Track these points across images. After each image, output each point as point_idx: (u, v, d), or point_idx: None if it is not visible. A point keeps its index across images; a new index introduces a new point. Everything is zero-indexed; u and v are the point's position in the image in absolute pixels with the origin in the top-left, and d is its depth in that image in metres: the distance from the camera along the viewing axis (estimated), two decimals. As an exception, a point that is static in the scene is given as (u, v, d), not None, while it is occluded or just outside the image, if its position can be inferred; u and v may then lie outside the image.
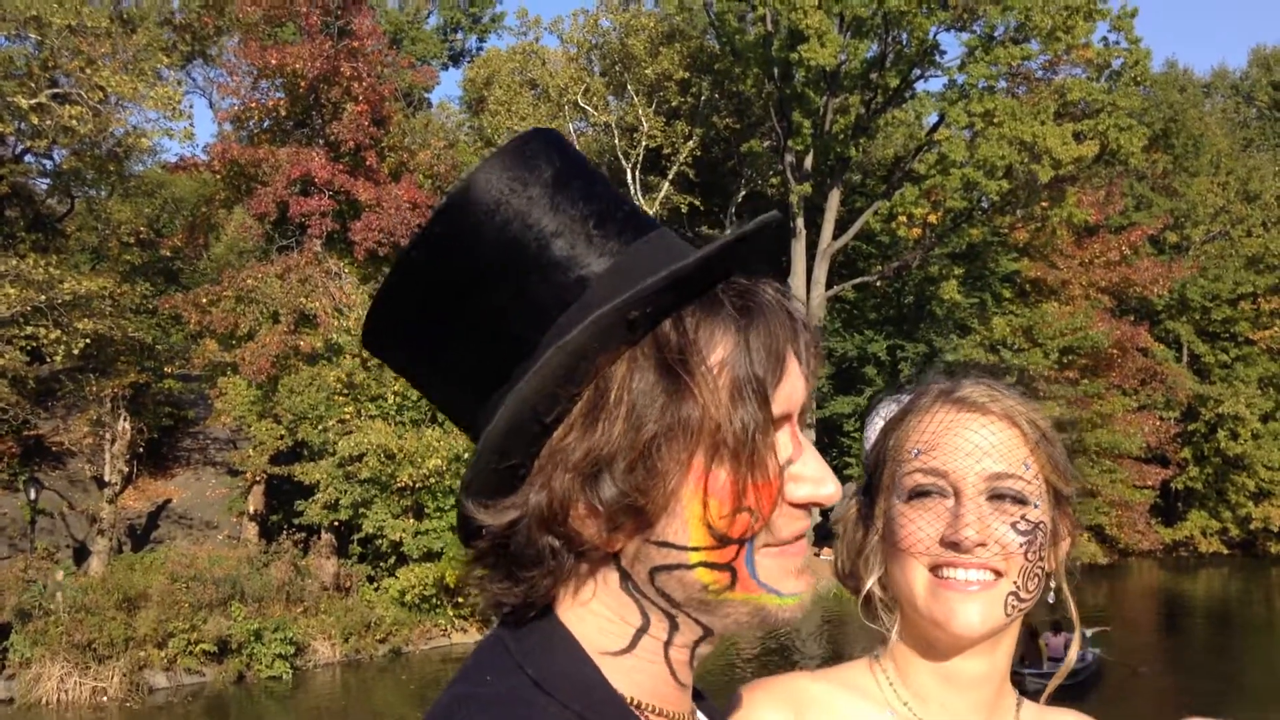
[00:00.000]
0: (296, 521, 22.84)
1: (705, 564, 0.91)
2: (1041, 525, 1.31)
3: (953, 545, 1.28)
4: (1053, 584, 1.36)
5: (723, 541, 0.90)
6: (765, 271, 0.98)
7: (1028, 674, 17.77)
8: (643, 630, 0.95)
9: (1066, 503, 1.37)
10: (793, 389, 0.95)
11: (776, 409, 0.93)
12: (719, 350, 0.90)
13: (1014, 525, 1.29)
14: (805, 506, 0.96)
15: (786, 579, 0.96)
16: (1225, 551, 41.79)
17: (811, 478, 0.96)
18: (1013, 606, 1.30)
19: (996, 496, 1.30)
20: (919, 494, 1.32)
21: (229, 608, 19.38)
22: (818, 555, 30.69)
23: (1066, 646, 19.01)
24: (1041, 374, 32.97)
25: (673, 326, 0.90)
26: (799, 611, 0.97)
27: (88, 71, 21.57)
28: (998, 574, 1.29)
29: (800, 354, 0.97)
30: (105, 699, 17.63)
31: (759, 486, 0.91)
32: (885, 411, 1.46)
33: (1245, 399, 40.04)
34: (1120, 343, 35.49)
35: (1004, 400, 1.35)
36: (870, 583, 1.37)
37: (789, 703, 1.34)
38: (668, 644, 0.96)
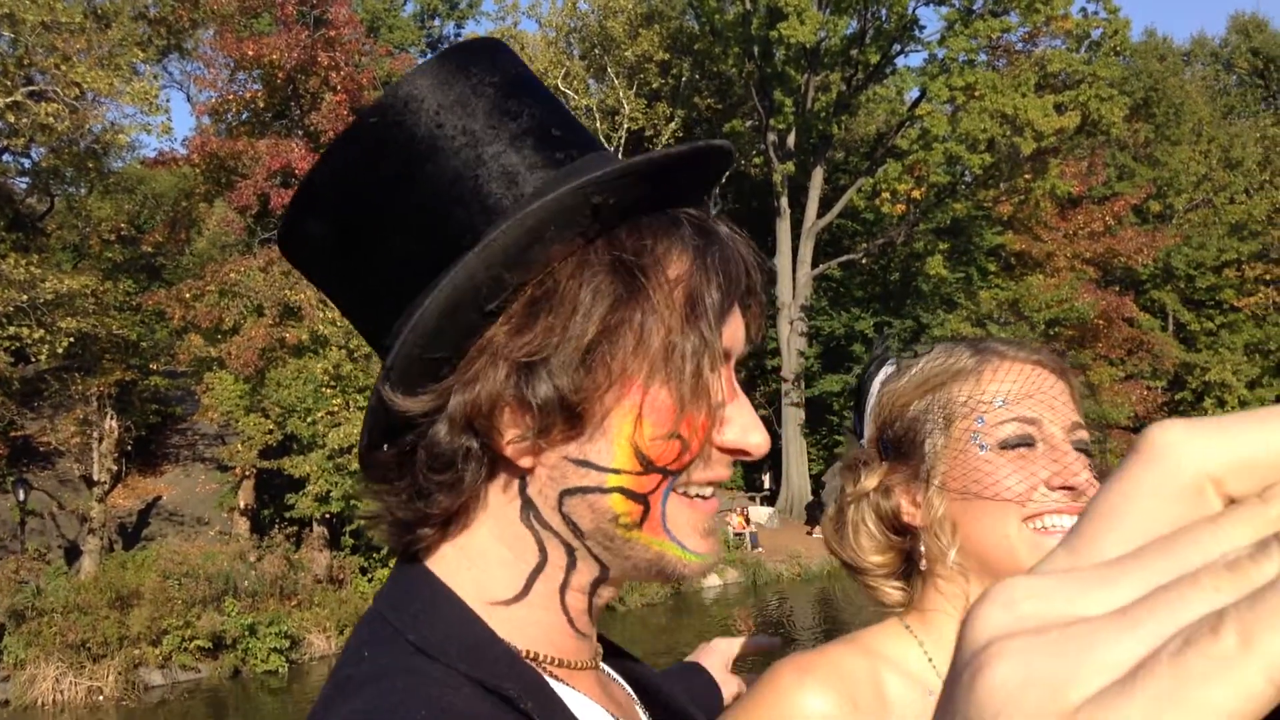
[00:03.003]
0: (288, 515, 22.79)
1: (622, 490, 0.87)
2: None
3: (1066, 489, 1.24)
4: None
5: (647, 468, 0.87)
6: (700, 202, 0.96)
7: None
8: (538, 570, 0.90)
9: None
10: (738, 329, 0.93)
11: (724, 342, 0.90)
12: (676, 266, 0.88)
13: (1090, 474, 1.28)
14: (731, 453, 0.93)
15: (693, 535, 0.92)
16: (1215, 519, 42.08)
17: (742, 423, 0.92)
18: None
19: (1076, 448, 1.28)
20: (1014, 443, 1.26)
21: (222, 603, 19.35)
22: (810, 535, 30.79)
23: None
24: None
25: (629, 232, 0.88)
26: (700, 572, 0.93)
27: (63, 68, 21.39)
28: None
29: (745, 299, 0.95)
30: (101, 698, 17.60)
31: (696, 415, 0.87)
32: (884, 375, 1.41)
33: (1231, 366, 40.22)
34: (1106, 313, 35.60)
35: (1050, 356, 1.34)
36: (953, 552, 1.28)
37: (839, 687, 1.27)
38: (564, 586, 0.91)
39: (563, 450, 0.87)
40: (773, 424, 35.01)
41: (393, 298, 0.90)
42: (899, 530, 1.35)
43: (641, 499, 0.88)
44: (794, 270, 33.26)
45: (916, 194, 32.16)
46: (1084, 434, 1.29)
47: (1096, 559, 0.28)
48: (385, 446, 0.90)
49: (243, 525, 24.22)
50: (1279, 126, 47.03)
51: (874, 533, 1.35)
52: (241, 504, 24.50)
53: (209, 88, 25.97)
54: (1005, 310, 33.92)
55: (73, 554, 22.32)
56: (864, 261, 35.85)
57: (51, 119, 21.26)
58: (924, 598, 1.33)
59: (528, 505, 0.89)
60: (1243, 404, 40.17)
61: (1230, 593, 0.26)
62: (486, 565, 0.90)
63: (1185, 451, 0.28)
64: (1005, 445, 1.26)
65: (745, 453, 0.93)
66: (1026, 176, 32.46)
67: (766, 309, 0.98)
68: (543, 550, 0.90)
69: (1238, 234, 42.18)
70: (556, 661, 0.92)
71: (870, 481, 1.35)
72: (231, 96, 25.55)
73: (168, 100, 53.92)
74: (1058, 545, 0.29)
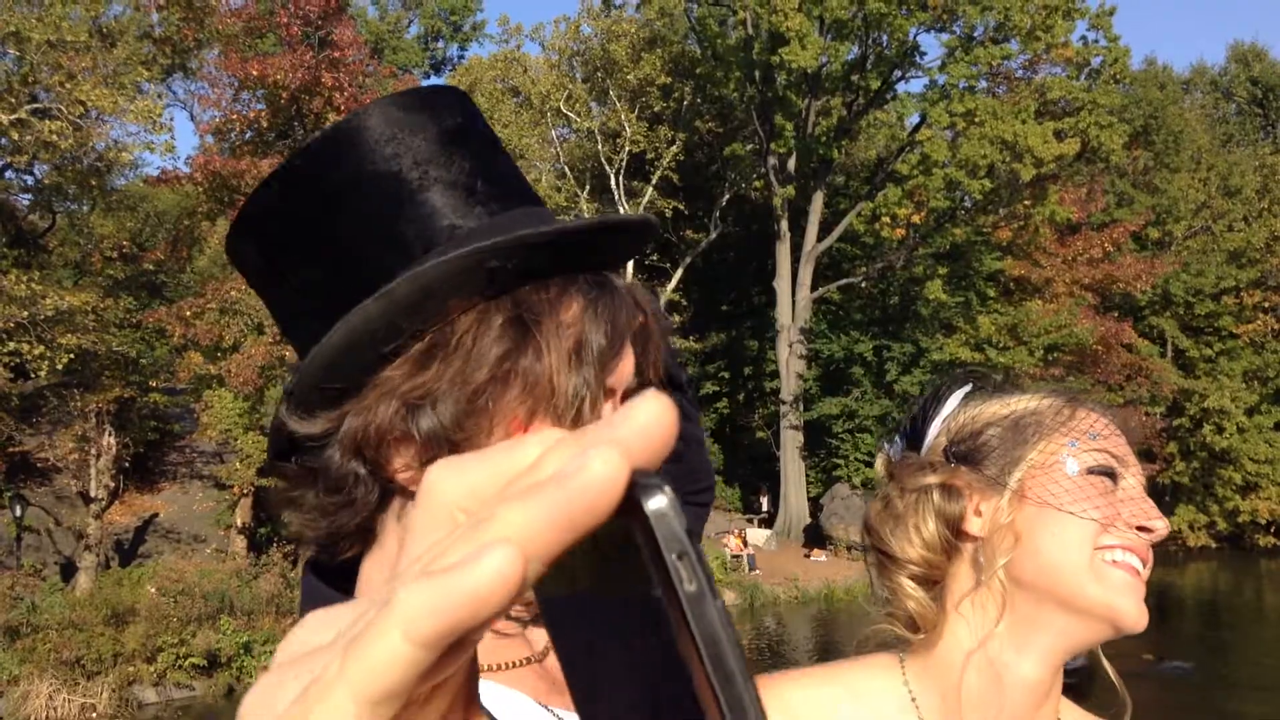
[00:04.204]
0: (285, 533, 22.70)
1: None
2: None
3: (1142, 529, 1.22)
4: None
5: None
6: (620, 266, 1.02)
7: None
8: None
9: None
10: (626, 366, 0.98)
11: (608, 380, 0.96)
12: (568, 312, 0.93)
13: None
14: None
15: None
16: (1214, 545, 41.97)
17: None
18: None
19: None
20: (1101, 471, 1.25)
21: (218, 621, 19.29)
22: (807, 558, 30.72)
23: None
24: (1027, 372, 33.05)
25: (533, 290, 0.93)
26: None
27: (68, 86, 21.46)
28: (1143, 566, 1.23)
29: (636, 339, 1.00)
30: (95, 715, 17.52)
31: None
32: (962, 393, 1.38)
33: (1230, 393, 40.24)
34: (1104, 339, 35.64)
35: (1125, 424, 1.35)
36: (1002, 562, 1.23)
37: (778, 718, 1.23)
38: None
39: None
40: (771, 446, 34.99)
41: (314, 322, 0.95)
42: (951, 543, 1.29)
43: None
44: (793, 293, 33.34)
45: (916, 219, 32.25)
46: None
47: None
48: (292, 459, 0.96)
49: (240, 543, 24.17)
50: (1277, 155, 47.22)
51: (931, 530, 1.29)
52: (239, 522, 24.46)
53: (213, 107, 26.07)
54: (1004, 335, 33.97)
55: (69, 570, 22.27)
56: (863, 285, 35.92)
57: (55, 136, 21.32)
58: (937, 631, 1.27)
59: None
60: (1240, 431, 40.21)
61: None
62: None
63: (439, 486, 0.31)
64: (1093, 471, 1.25)
65: None
66: (1026, 202, 32.57)
67: (665, 348, 1.04)
68: None
69: (1236, 261, 42.29)
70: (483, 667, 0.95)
71: (933, 478, 1.30)
72: (235, 116, 25.64)
73: (171, 119, 54.19)
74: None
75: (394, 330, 0.89)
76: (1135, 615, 1.18)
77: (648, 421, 0.30)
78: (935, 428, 1.36)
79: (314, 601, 0.96)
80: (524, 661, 0.99)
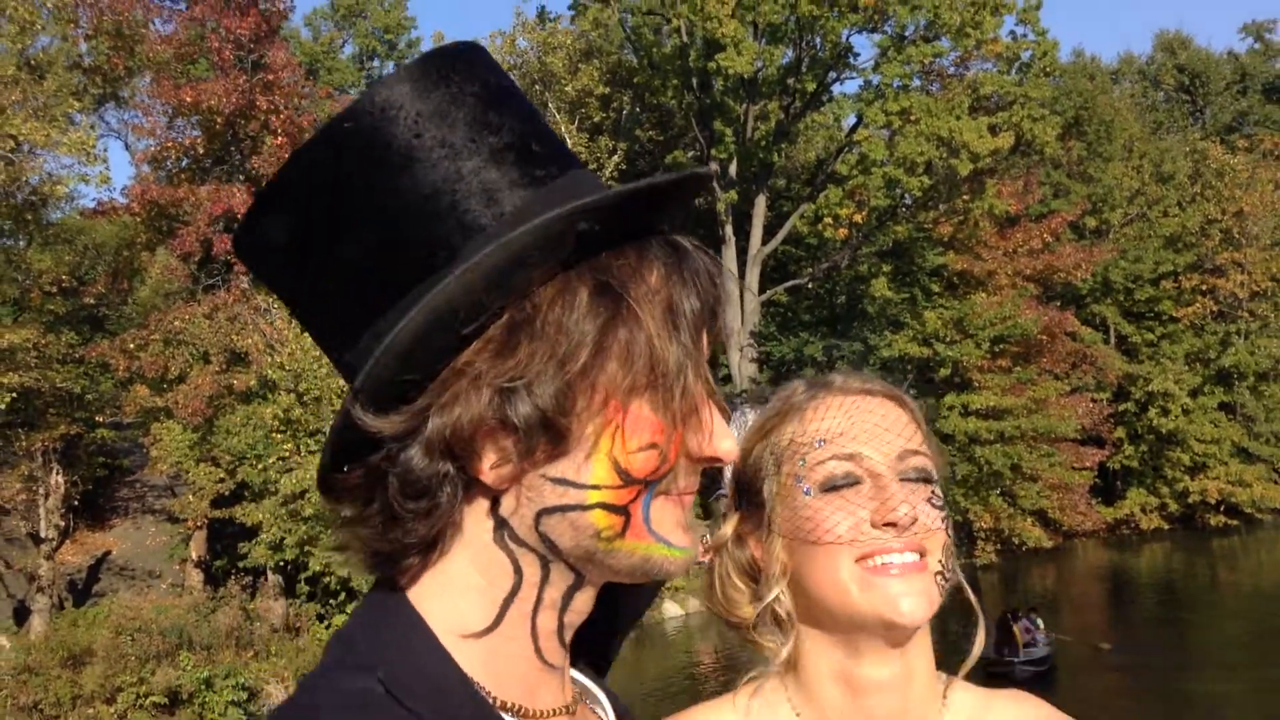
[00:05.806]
0: (241, 565, 22.48)
1: (603, 505, 0.86)
2: (946, 503, 1.26)
3: (889, 525, 1.19)
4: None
5: (627, 481, 0.85)
6: (679, 227, 0.94)
7: (1016, 663, 17.95)
8: (513, 593, 0.88)
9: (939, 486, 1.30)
10: (714, 334, 0.92)
11: (704, 346, 0.90)
12: (653, 277, 0.87)
13: (929, 501, 1.22)
14: (704, 461, 0.91)
15: (677, 530, 0.90)
16: (1166, 527, 42.56)
17: (715, 432, 0.90)
18: (940, 587, 1.21)
19: (906, 479, 1.23)
20: (835, 485, 1.22)
21: (177, 657, 19.02)
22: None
23: (1027, 630, 19.38)
24: (975, 364, 33.46)
25: (612, 256, 0.86)
26: (685, 567, 0.92)
27: (-3, 121, 21.12)
28: (922, 554, 1.20)
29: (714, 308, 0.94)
30: (55, 760, 17.22)
31: (679, 426, 0.86)
32: (748, 419, 1.36)
33: (1173, 376, 40.89)
34: (1049, 328, 36.11)
35: (882, 383, 1.31)
36: (774, 594, 1.25)
37: None
38: (537, 605, 0.89)
39: (541, 470, 0.85)
40: (727, 451, 35.01)
41: (357, 308, 0.88)
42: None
43: (622, 510, 0.86)
44: (741, 297, 33.47)
45: (858, 218, 32.53)
46: (921, 460, 1.24)
47: None
48: (346, 468, 0.88)
49: (195, 577, 23.86)
50: (1207, 140, 48.16)
51: (739, 585, 1.31)
52: (194, 555, 24.14)
53: (147, 135, 25.79)
54: (950, 329, 34.31)
55: (22, 614, 21.86)
56: (810, 286, 36.17)
57: (-13, 172, 20.97)
58: (795, 653, 1.27)
59: (501, 525, 0.87)
60: (1186, 413, 40.87)
61: None
62: (461, 591, 0.88)
63: None
64: (827, 487, 1.22)
65: (718, 460, 0.92)
66: (964, 197, 32.96)
67: (724, 311, 0.96)
68: (518, 570, 0.88)
69: (1173, 246, 43.03)
70: (522, 711, 0.90)
71: (726, 530, 1.32)
72: (170, 143, 25.35)
73: (105, 149, 53.36)
74: None
75: (477, 308, 0.81)
76: (907, 614, 1.17)
77: None
78: (727, 470, 1.34)
79: (405, 628, 0.88)
80: (560, 710, 0.94)
